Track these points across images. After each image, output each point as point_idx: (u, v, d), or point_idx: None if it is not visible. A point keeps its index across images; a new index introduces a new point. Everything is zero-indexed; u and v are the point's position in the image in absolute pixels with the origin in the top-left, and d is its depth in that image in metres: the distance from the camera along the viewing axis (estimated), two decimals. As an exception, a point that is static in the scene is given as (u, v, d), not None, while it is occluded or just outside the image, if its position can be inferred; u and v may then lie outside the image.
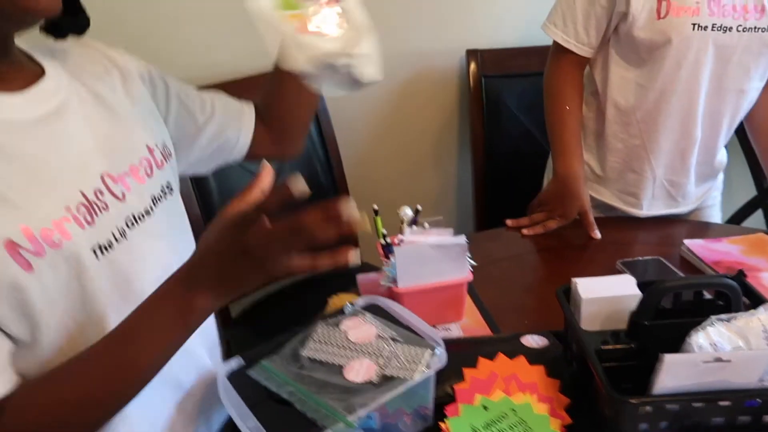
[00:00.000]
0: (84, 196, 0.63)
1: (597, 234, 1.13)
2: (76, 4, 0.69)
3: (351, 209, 0.52)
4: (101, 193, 0.65)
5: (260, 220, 0.53)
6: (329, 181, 1.57)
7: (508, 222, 1.20)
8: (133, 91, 0.76)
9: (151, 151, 0.73)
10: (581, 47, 1.14)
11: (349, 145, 1.62)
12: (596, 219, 1.15)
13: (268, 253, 0.54)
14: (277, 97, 0.91)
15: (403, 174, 1.76)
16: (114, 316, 0.65)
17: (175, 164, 0.80)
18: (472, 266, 0.88)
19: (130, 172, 0.69)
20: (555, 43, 1.17)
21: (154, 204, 0.72)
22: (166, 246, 0.73)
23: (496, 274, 1.04)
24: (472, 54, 1.59)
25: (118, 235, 0.66)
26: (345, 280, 1.61)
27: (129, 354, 0.58)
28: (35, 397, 0.57)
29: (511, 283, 1.03)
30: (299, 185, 0.53)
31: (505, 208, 1.61)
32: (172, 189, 0.76)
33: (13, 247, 0.56)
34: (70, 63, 0.71)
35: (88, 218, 0.63)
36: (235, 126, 0.90)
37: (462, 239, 0.84)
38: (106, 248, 0.64)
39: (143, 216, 0.70)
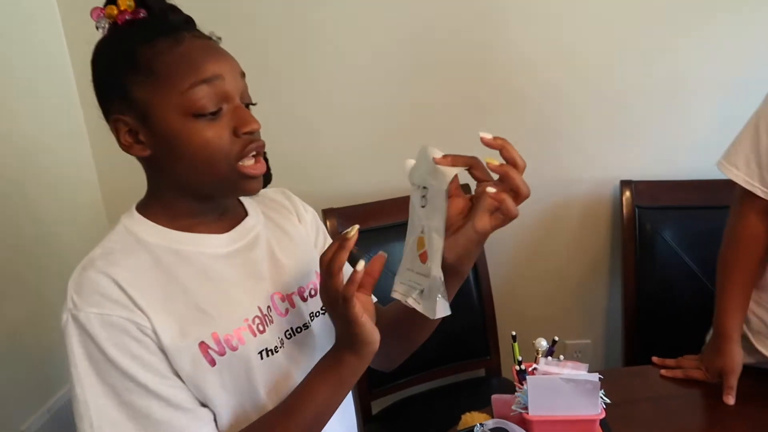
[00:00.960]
0: (259, 310, 0.81)
1: (730, 400, 1.05)
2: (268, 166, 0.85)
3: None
4: (270, 309, 0.83)
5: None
6: (477, 297, 1.64)
7: (654, 359, 1.18)
8: (307, 230, 0.95)
9: (318, 275, 0.88)
10: None
11: (497, 263, 1.70)
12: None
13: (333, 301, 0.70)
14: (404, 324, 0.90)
15: (549, 296, 1.78)
16: (271, 406, 0.80)
17: None
18: (607, 404, 0.89)
19: (297, 293, 0.86)
20: (738, 185, 1.10)
21: (311, 319, 0.87)
22: (320, 354, 0.82)
23: (634, 414, 1.02)
24: (626, 184, 1.62)
25: (278, 344, 0.82)
26: (481, 395, 1.65)
27: (298, 404, 0.76)
28: None
29: (651, 427, 1.00)
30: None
31: (656, 343, 1.57)
32: None
33: (204, 347, 0.75)
34: (264, 203, 0.93)
35: (260, 328, 0.80)
36: None
37: (595, 377, 0.86)
38: (270, 352, 0.80)
39: (301, 329, 0.86)
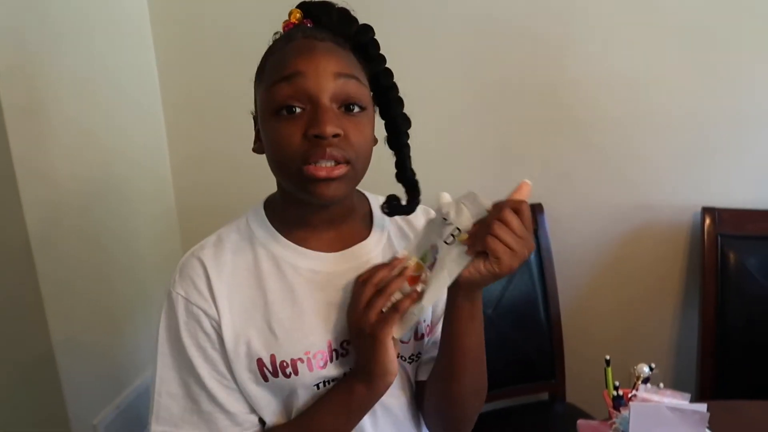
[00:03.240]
0: (329, 344, 0.78)
1: None
2: (416, 192, 0.83)
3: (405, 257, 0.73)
4: (347, 343, 0.78)
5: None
6: (545, 319, 1.61)
7: None
8: None
9: (417, 322, 0.83)
10: None
11: (567, 286, 1.66)
12: None
13: (361, 322, 0.71)
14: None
15: (618, 323, 1.73)
16: None
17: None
18: (710, 437, 0.85)
19: None
20: None
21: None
22: (393, 397, 0.83)
23: (732, 451, 0.97)
24: (708, 211, 1.56)
25: (330, 381, 0.79)
26: (545, 419, 1.60)
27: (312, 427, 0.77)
28: None
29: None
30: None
31: (737, 380, 1.50)
32: (418, 359, 0.86)
33: (261, 363, 0.76)
34: (410, 224, 0.88)
35: (320, 364, 0.77)
36: None
37: (703, 407, 0.83)
38: (328, 383, 0.79)
39: None
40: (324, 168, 0.69)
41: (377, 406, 0.80)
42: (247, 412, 0.80)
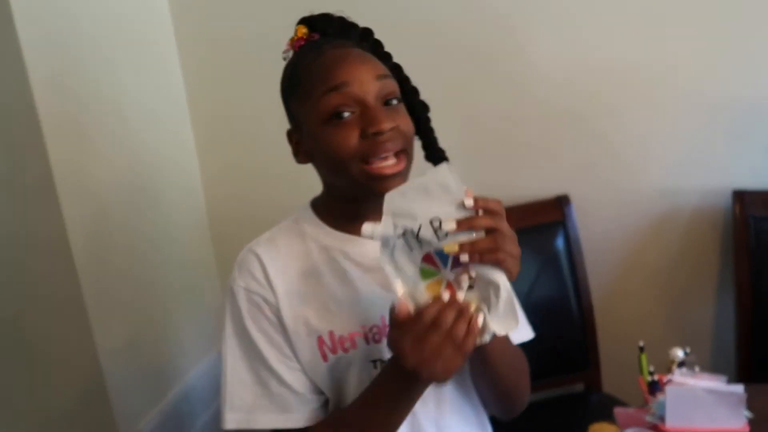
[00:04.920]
0: (383, 320, 0.81)
1: None
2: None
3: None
4: None
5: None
6: (577, 309, 1.60)
7: None
8: None
9: None
10: None
11: (598, 274, 1.65)
12: None
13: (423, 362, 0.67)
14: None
15: (650, 308, 1.72)
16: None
17: None
18: (749, 419, 0.85)
19: None
20: None
21: None
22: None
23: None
24: (738, 194, 1.54)
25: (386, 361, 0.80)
26: (583, 410, 1.59)
27: (365, 414, 0.78)
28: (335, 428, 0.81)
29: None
30: None
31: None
32: None
33: (321, 341, 0.80)
34: None
35: (377, 338, 0.81)
36: None
37: (740, 388, 0.83)
38: (376, 364, 0.81)
39: None
40: (390, 166, 0.76)
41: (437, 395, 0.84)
42: (314, 391, 0.83)
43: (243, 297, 0.82)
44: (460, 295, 0.68)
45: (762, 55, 1.51)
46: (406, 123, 0.79)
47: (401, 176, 0.77)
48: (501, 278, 0.68)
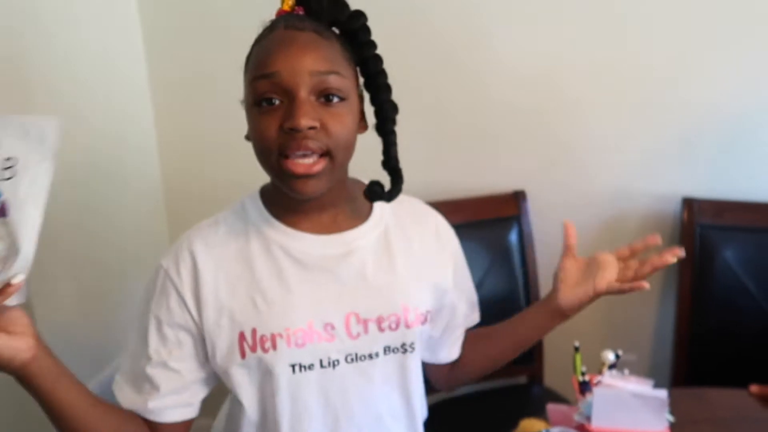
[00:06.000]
0: (310, 325, 0.79)
1: None
2: (398, 180, 0.80)
3: None
4: (333, 327, 0.80)
5: None
6: (524, 302, 1.63)
7: (753, 388, 1.07)
8: (441, 260, 0.91)
9: (405, 310, 0.84)
10: None
11: (547, 270, 1.67)
12: None
13: None
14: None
15: (596, 308, 1.73)
16: (287, 417, 0.81)
17: (427, 329, 0.89)
18: (671, 423, 0.88)
19: (375, 320, 0.82)
20: None
21: (384, 353, 0.84)
22: (380, 386, 0.85)
23: (695, 436, 1.00)
24: (688, 202, 1.58)
25: (326, 363, 0.80)
26: (523, 402, 1.63)
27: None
28: None
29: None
30: None
31: (710, 368, 1.53)
32: (414, 349, 0.86)
33: (242, 337, 0.78)
34: (403, 212, 0.89)
35: (299, 342, 0.79)
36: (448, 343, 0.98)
37: (663, 393, 0.85)
38: (304, 368, 0.80)
39: (365, 358, 0.82)
40: (302, 165, 0.72)
41: (348, 409, 0.83)
42: (179, 397, 0.82)
43: (160, 279, 0.81)
44: None
45: (718, 67, 1.53)
46: (338, 124, 0.73)
47: (317, 179, 0.73)
48: (29, 249, 0.65)
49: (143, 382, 0.81)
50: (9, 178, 0.65)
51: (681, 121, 1.58)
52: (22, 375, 0.68)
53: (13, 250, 0.64)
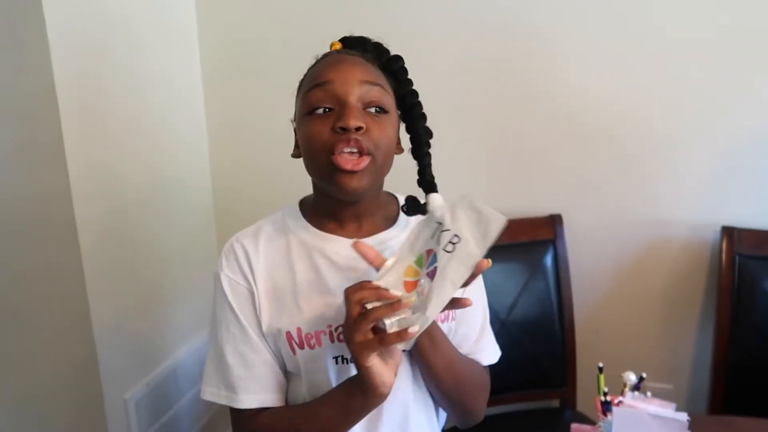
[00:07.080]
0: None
1: None
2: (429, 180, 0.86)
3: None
4: None
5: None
6: (559, 327, 1.64)
7: None
8: None
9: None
10: None
11: (583, 295, 1.69)
12: None
13: (348, 343, 0.75)
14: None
15: (633, 335, 1.74)
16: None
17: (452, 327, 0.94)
18: (692, 447, 0.89)
19: None
20: None
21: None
22: (401, 381, 0.89)
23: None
24: (727, 231, 1.57)
25: (349, 360, 0.86)
26: (554, 425, 1.63)
27: (304, 417, 0.86)
28: (278, 420, 0.88)
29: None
30: None
31: (748, 399, 1.50)
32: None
33: (290, 336, 0.86)
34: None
35: (341, 337, 0.84)
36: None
37: (683, 416, 0.87)
38: (346, 360, 0.87)
39: None
40: (350, 160, 0.78)
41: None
42: (275, 378, 0.90)
43: (227, 284, 0.89)
44: (398, 293, 0.75)
45: (761, 95, 1.53)
46: (380, 130, 0.81)
47: (360, 175, 0.79)
48: (432, 314, 0.72)
49: (245, 383, 0.90)
50: (449, 252, 0.74)
51: (720, 148, 1.58)
52: (373, 405, 0.80)
53: (422, 308, 0.73)
